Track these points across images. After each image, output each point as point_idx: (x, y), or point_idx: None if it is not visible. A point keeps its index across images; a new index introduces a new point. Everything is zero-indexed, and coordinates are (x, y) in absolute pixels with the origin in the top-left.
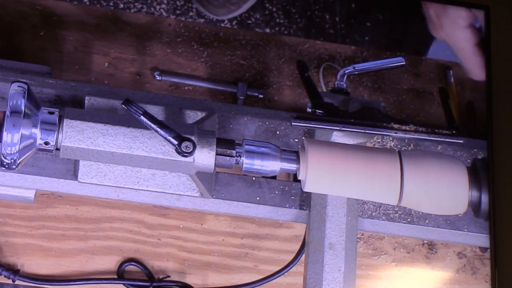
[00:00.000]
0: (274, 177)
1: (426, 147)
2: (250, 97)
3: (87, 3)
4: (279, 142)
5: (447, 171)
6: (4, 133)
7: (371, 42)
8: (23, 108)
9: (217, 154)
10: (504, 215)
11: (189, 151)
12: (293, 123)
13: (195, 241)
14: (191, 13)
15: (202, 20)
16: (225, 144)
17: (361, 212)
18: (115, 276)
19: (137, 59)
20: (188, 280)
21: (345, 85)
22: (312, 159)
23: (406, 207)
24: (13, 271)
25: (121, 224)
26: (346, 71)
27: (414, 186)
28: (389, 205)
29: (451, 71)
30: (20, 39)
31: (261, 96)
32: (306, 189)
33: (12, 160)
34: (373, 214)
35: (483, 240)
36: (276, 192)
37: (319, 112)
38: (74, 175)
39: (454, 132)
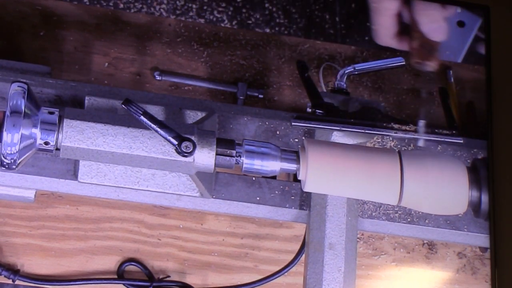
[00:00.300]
0: (274, 177)
1: (426, 147)
2: (250, 97)
3: (87, 3)
4: (279, 142)
5: (447, 171)
6: (4, 133)
7: (371, 42)
8: (23, 108)
9: (217, 154)
10: (504, 215)
11: (189, 151)
12: (293, 123)
13: (195, 241)
14: (191, 13)
15: (202, 20)
16: (225, 144)
17: (361, 212)
18: (115, 276)
19: (137, 59)
20: (188, 280)
21: (345, 85)
22: (312, 159)
23: (406, 207)
24: (13, 271)
25: (121, 224)
26: (346, 71)
27: (414, 186)
28: (389, 205)
29: (451, 71)
30: (20, 39)
31: (261, 96)
32: (306, 189)
33: (12, 160)
34: (373, 214)
35: (483, 240)
36: (276, 192)
37: (319, 112)
38: (74, 175)
39: (454, 132)
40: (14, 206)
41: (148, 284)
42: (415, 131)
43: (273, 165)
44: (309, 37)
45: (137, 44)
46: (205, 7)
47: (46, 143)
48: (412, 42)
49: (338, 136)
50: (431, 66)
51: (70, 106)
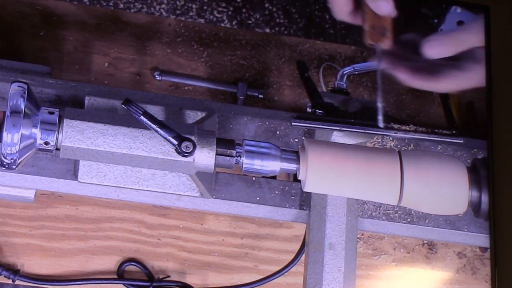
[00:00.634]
0: (274, 177)
1: (426, 147)
2: (250, 97)
3: (87, 3)
4: (279, 142)
5: (447, 171)
6: (4, 133)
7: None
8: (23, 108)
9: (217, 154)
10: (504, 215)
11: (189, 151)
12: (293, 123)
13: (195, 241)
14: (191, 13)
15: (202, 20)
16: (225, 144)
17: (361, 212)
18: (115, 276)
19: (137, 59)
20: (188, 280)
21: (345, 85)
22: (312, 159)
23: (406, 207)
24: (13, 271)
25: (121, 224)
26: (346, 71)
27: (414, 186)
28: (389, 205)
29: None
30: (20, 39)
31: (261, 96)
32: (306, 189)
33: (12, 160)
34: (373, 214)
35: (483, 240)
36: (276, 192)
37: (319, 112)
38: (74, 175)
39: (454, 132)
40: (14, 206)
41: (148, 284)
42: (415, 131)
43: (273, 165)
44: (309, 37)
45: (137, 44)
46: (205, 7)
47: (46, 143)
48: (363, 21)
49: (338, 136)
50: (384, 45)
51: (70, 106)
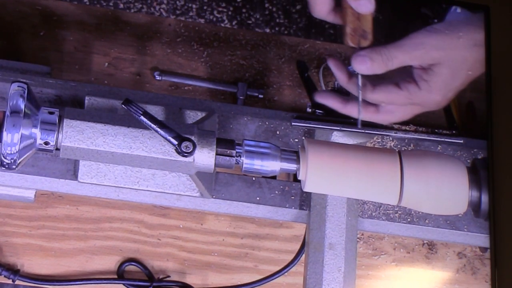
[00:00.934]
0: (274, 177)
1: (426, 147)
2: (250, 97)
3: (87, 3)
4: (279, 142)
5: (447, 171)
6: (4, 133)
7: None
8: (23, 108)
9: (217, 154)
10: (504, 215)
11: (189, 151)
12: (293, 123)
13: (195, 241)
14: (191, 13)
15: (202, 20)
16: (225, 144)
17: (361, 212)
18: (115, 276)
19: (137, 59)
20: (188, 280)
21: None
22: (312, 159)
23: (406, 207)
24: (13, 271)
25: (121, 224)
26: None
27: (414, 186)
28: (389, 205)
29: None
30: (20, 39)
31: (261, 96)
32: (306, 189)
33: (12, 160)
34: (373, 214)
35: (483, 240)
36: (276, 192)
37: (319, 112)
38: (74, 175)
39: (454, 132)
40: (14, 206)
41: (148, 284)
42: (415, 131)
43: (273, 165)
44: (309, 37)
45: (137, 44)
46: (205, 7)
47: (46, 143)
48: (344, 21)
49: (338, 136)
50: (364, 46)
51: (70, 106)
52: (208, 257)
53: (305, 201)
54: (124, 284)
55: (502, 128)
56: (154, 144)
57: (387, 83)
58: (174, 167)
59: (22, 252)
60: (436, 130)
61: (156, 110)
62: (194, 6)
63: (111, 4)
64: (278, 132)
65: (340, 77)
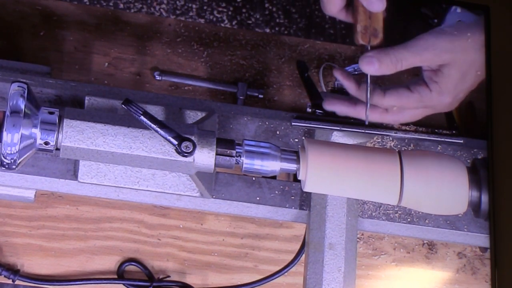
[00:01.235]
0: (274, 177)
1: (426, 147)
2: (250, 97)
3: (87, 3)
4: (279, 142)
5: (447, 171)
6: (4, 133)
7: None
8: (23, 108)
9: (217, 154)
10: (504, 215)
11: (189, 151)
12: (293, 123)
13: (195, 241)
14: (191, 13)
15: (202, 20)
16: (225, 144)
17: (361, 212)
18: (115, 276)
19: (137, 59)
20: (188, 280)
21: None
22: (312, 159)
23: (406, 207)
24: (13, 271)
25: (121, 224)
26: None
27: (414, 186)
28: (389, 205)
29: None
30: (20, 39)
31: (261, 96)
32: (306, 189)
33: (12, 160)
34: (373, 214)
35: (483, 240)
36: (276, 192)
37: (319, 112)
38: (74, 175)
39: (454, 132)
40: (14, 206)
41: (148, 284)
42: (415, 131)
43: (273, 165)
44: (309, 37)
45: (137, 44)
46: (205, 7)
47: (46, 143)
48: (355, 20)
49: (338, 136)
50: (375, 44)
51: (70, 106)
52: (208, 257)
53: (305, 201)
54: (124, 284)
55: (502, 128)
56: (154, 144)
57: (397, 87)
58: (174, 167)
59: (22, 252)
60: (436, 130)
61: (156, 110)
62: (194, 6)
63: (111, 4)
64: (278, 132)
65: (349, 87)
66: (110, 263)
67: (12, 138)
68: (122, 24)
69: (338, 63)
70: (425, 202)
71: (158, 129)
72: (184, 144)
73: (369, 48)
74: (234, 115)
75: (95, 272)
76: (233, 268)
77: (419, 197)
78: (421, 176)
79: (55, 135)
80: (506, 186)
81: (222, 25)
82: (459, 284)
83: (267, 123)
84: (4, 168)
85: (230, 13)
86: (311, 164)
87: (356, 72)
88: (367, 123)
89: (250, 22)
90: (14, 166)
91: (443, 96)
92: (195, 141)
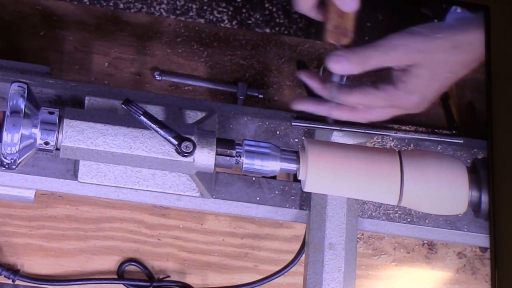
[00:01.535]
0: (274, 177)
1: (426, 147)
2: (250, 97)
3: (87, 3)
4: (279, 142)
5: (447, 171)
6: (4, 133)
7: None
8: (23, 108)
9: (217, 154)
10: (504, 215)
11: (189, 151)
12: (293, 123)
13: (195, 241)
14: (191, 13)
15: (202, 20)
16: (225, 144)
17: (361, 212)
18: (115, 276)
19: (137, 59)
20: (188, 280)
21: None
22: (312, 159)
23: (406, 207)
24: (13, 271)
25: (121, 224)
26: None
27: (414, 186)
28: (389, 205)
29: None
30: (20, 39)
31: (261, 96)
32: (306, 189)
33: (12, 160)
34: (373, 214)
35: (483, 240)
36: (276, 192)
37: None
38: (74, 175)
39: (454, 132)
40: (14, 206)
41: (148, 284)
42: (415, 131)
43: (273, 165)
44: (309, 37)
45: (137, 44)
46: (205, 7)
47: (46, 143)
48: (326, 18)
49: (338, 136)
50: (345, 44)
51: (70, 106)
52: (208, 257)
53: (305, 201)
54: (124, 284)
55: (502, 128)
56: (154, 144)
57: (364, 85)
58: (174, 167)
59: (22, 252)
60: (436, 130)
61: (156, 110)
62: (194, 6)
63: (111, 4)
64: (278, 132)
65: (313, 85)
66: (110, 263)
67: (12, 138)
68: (122, 24)
69: None
70: (425, 202)
71: (158, 129)
72: (184, 144)
73: (338, 47)
74: (234, 115)
75: (95, 272)
76: (233, 268)
77: (419, 197)
78: (421, 176)
79: (55, 135)
80: (506, 186)
81: (222, 25)
82: (459, 284)
83: (267, 123)
84: (4, 168)
85: (230, 13)
86: (311, 164)
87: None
88: (330, 121)
89: (250, 22)
90: (14, 166)
91: (411, 96)
92: (195, 141)
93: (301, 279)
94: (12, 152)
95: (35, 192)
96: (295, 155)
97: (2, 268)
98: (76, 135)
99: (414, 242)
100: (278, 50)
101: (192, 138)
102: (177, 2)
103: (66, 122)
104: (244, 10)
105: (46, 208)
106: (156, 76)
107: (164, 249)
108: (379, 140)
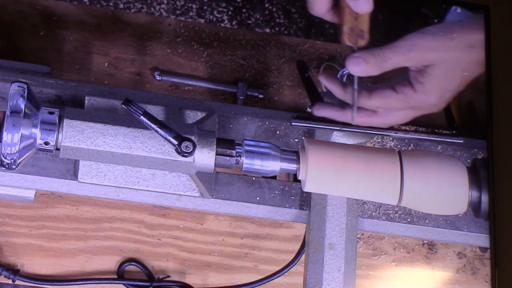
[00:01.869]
0: (274, 177)
1: (426, 147)
2: (250, 97)
3: (87, 3)
4: (279, 142)
5: (447, 171)
6: (4, 133)
7: (371, 42)
8: (23, 108)
9: (217, 154)
10: (504, 215)
11: (189, 151)
12: (293, 123)
13: (195, 241)
14: (191, 13)
15: (202, 20)
16: (225, 144)
17: (361, 212)
18: (115, 276)
19: (137, 59)
20: (188, 280)
21: None
22: (312, 159)
23: (406, 207)
24: (13, 271)
25: (121, 224)
26: (346, 71)
27: (414, 186)
28: (389, 205)
29: None
30: (20, 39)
31: (261, 96)
32: (306, 189)
33: (12, 160)
34: (373, 214)
35: (483, 240)
36: (276, 192)
37: None
38: (74, 175)
39: (454, 132)
40: (14, 206)
41: (148, 284)
42: (415, 131)
43: (273, 165)
44: (309, 37)
45: (137, 44)
46: (205, 7)
47: (46, 143)
48: (341, 20)
49: (338, 136)
50: (361, 45)
51: (70, 106)
52: (208, 257)
53: (305, 201)
54: (124, 284)
55: (502, 128)
56: (154, 144)
57: (382, 88)
58: (174, 167)
59: (22, 252)
60: (436, 130)
61: (156, 110)
62: (194, 6)
63: (111, 4)
64: (278, 132)
65: (335, 90)
66: (110, 263)
67: (12, 138)
68: (122, 24)
69: (338, 63)
70: (425, 202)
71: (158, 129)
72: (184, 144)
73: (355, 49)
74: (234, 115)
75: (95, 272)
76: (233, 268)
77: (419, 197)
78: (421, 176)
79: (55, 135)
80: (506, 186)
81: (222, 25)
82: (459, 284)
83: (267, 123)
84: (4, 168)
85: (230, 13)
86: (311, 164)
87: (345, 75)
88: (354, 123)
89: (250, 22)
90: (14, 166)
91: (428, 96)
92: (195, 141)
93: (301, 279)
94: (12, 152)
95: (35, 192)
96: (295, 155)
97: (2, 268)
98: (76, 135)
99: (414, 242)
100: (278, 50)
101: (192, 138)
102: (177, 2)
103: (66, 122)
104: (244, 10)
105: (46, 208)
106: (156, 76)
107: (164, 249)
108: (379, 140)
